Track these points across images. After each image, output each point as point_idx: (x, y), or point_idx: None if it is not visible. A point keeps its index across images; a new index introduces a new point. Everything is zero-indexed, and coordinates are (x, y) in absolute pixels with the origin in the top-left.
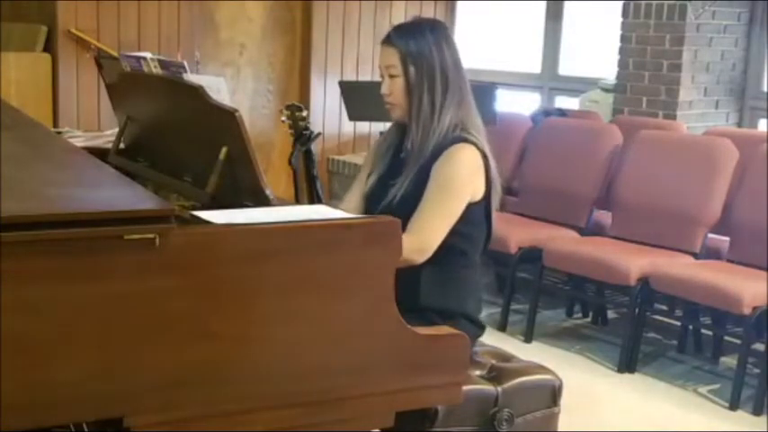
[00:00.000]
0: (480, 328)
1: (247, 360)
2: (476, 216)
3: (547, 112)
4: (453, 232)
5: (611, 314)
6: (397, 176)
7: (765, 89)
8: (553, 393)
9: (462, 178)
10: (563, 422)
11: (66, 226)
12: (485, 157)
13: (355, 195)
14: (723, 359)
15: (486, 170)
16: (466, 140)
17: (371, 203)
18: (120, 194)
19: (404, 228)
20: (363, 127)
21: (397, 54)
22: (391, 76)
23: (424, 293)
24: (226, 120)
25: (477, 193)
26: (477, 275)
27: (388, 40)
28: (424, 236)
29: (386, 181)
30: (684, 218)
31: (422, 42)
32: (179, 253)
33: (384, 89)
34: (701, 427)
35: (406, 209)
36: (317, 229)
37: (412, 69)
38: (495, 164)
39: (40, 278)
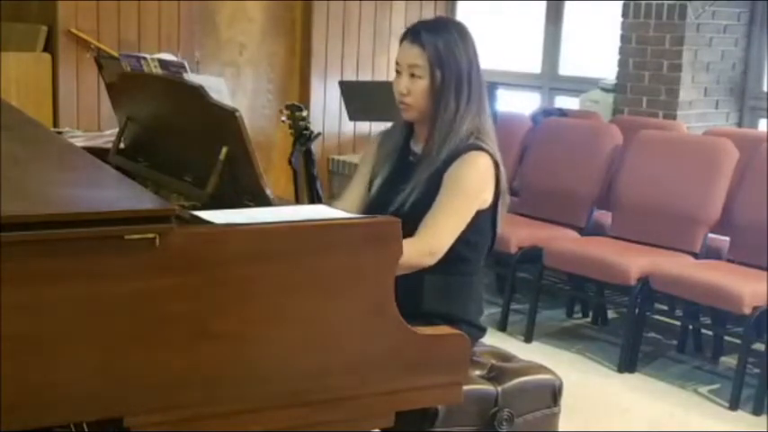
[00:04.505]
0: (481, 330)
1: (247, 360)
2: (483, 223)
3: (547, 112)
4: (459, 239)
5: (611, 314)
6: (406, 181)
7: (765, 89)
8: (553, 393)
9: (475, 185)
10: (563, 422)
11: (66, 226)
12: (496, 165)
13: (354, 194)
14: (723, 359)
15: (497, 178)
16: (481, 148)
17: (379, 209)
18: (121, 194)
19: (412, 234)
20: (363, 127)
21: (423, 54)
22: (413, 76)
23: (427, 300)
24: (226, 120)
25: (487, 200)
26: (480, 281)
27: (415, 38)
28: (436, 239)
29: (393, 185)
30: (684, 218)
31: (451, 44)
32: (179, 253)
33: (401, 88)
34: (701, 427)
35: (416, 215)
36: (317, 229)
37: (439, 73)
38: (504, 171)
39: (40, 278)
